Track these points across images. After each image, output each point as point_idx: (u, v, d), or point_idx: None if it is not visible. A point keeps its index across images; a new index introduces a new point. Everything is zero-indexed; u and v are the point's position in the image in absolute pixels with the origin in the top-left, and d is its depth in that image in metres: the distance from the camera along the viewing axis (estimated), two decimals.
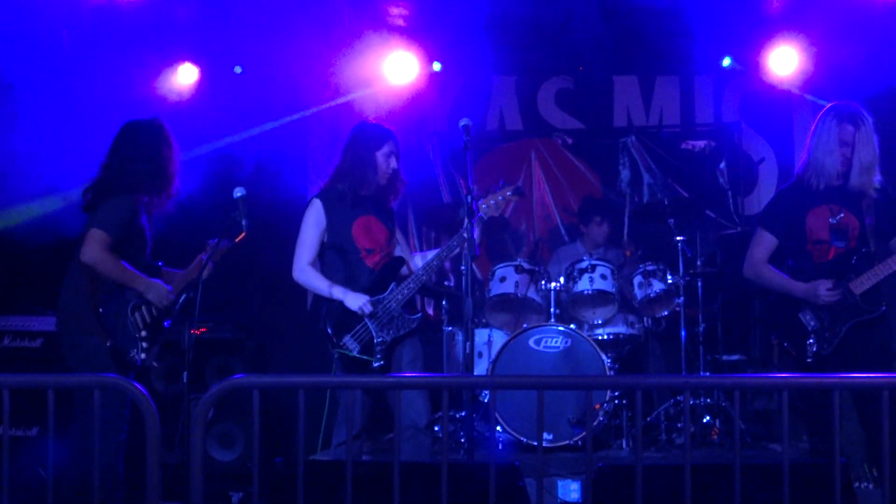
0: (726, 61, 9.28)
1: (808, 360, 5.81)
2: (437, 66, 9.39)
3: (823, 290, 5.78)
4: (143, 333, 5.68)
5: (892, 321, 5.76)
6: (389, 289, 5.93)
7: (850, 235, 5.78)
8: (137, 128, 5.95)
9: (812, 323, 5.84)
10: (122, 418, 5.57)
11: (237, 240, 5.82)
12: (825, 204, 5.87)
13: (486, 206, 5.99)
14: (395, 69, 9.30)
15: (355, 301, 5.81)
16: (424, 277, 5.99)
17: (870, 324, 5.69)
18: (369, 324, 5.83)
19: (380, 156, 5.99)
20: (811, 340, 5.81)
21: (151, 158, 5.83)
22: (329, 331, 5.85)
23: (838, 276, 5.78)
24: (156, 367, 5.99)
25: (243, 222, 5.82)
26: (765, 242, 6.08)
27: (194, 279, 5.65)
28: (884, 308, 5.64)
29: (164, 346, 5.98)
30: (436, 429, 7.58)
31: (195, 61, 9.14)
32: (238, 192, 5.84)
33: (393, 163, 6.02)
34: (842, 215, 5.82)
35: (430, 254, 6.14)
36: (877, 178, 5.85)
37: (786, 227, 6.01)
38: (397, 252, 6.15)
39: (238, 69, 9.18)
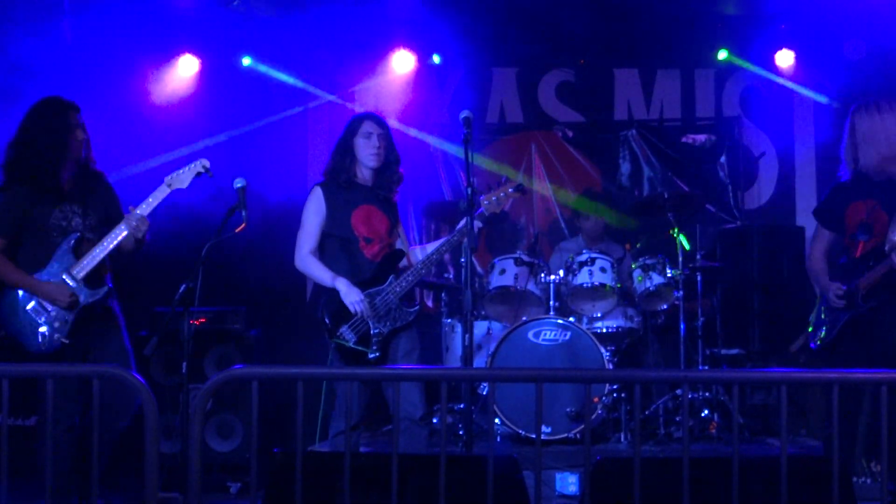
0: (722, 54, 9.27)
1: (812, 346, 5.89)
2: (436, 59, 9.37)
3: (832, 294, 5.83)
4: (45, 318, 5.66)
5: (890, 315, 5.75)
6: (388, 281, 5.93)
7: (877, 231, 5.75)
8: (29, 111, 5.85)
9: (827, 312, 5.91)
10: (77, 403, 5.67)
11: (238, 231, 5.81)
12: (862, 199, 5.84)
13: (488, 203, 6.00)
14: (395, 61, 9.29)
15: (350, 297, 5.81)
16: (423, 271, 5.99)
17: (867, 321, 5.69)
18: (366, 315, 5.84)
19: (359, 138, 6.00)
20: (824, 329, 5.84)
21: (25, 143, 5.73)
22: (326, 320, 5.85)
23: (853, 276, 5.79)
24: (150, 356, 5.98)
25: (244, 213, 5.82)
26: (820, 236, 6.12)
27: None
28: (872, 305, 5.64)
29: (164, 337, 5.98)
30: (434, 421, 7.60)
31: (196, 53, 9.13)
32: (238, 183, 5.84)
33: (374, 141, 5.99)
34: (874, 210, 5.78)
35: (430, 247, 6.14)
36: None
37: (832, 221, 6.02)
38: (398, 245, 6.15)
39: (248, 60, 9.14)
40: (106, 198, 5.87)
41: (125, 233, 5.67)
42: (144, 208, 5.69)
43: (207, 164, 5.69)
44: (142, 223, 5.68)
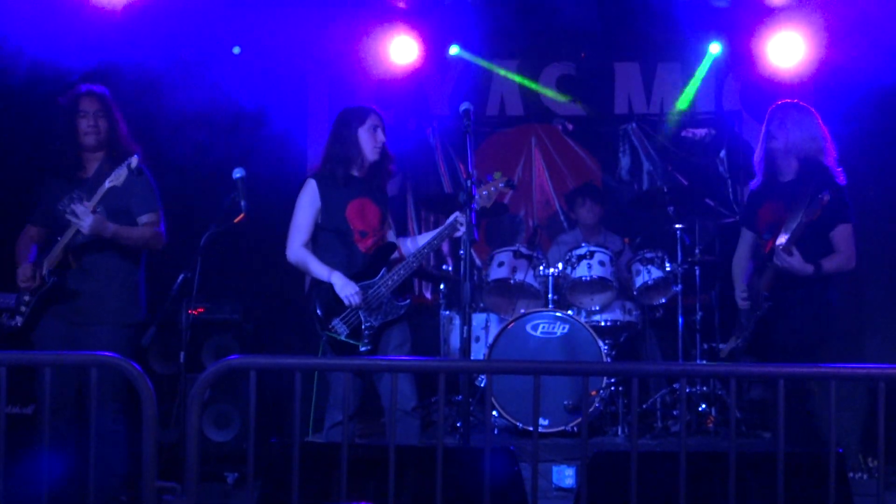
0: (715, 48, 9.25)
1: (732, 347, 6.05)
2: (455, 50, 9.36)
3: (738, 299, 6.06)
4: (14, 301, 5.83)
5: (806, 317, 5.79)
6: (380, 274, 5.92)
7: (779, 230, 5.81)
8: None
9: (744, 318, 6.04)
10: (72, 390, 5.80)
11: (236, 221, 5.81)
12: (772, 199, 5.98)
13: (478, 197, 5.98)
14: (395, 52, 9.28)
15: (344, 290, 5.81)
16: (415, 264, 5.98)
17: (770, 320, 5.76)
18: (358, 308, 5.83)
19: (363, 131, 5.99)
20: (740, 339, 5.92)
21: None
22: (318, 313, 5.85)
23: (761, 275, 5.89)
24: (148, 345, 5.99)
25: (242, 203, 5.81)
26: (743, 237, 6.29)
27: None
28: (768, 304, 5.68)
29: (161, 327, 5.98)
30: (428, 412, 7.60)
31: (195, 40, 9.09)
32: (237, 173, 5.83)
33: (380, 135, 6.00)
34: (780, 210, 5.88)
35: (421, 239, 6.14)
36: (833, 173, 5.88)
37: (750, 222, 6.20)
38: (390, 237, 6.14)
39: (237, 49, 9.13)
40: (131, 188, 5.78)
41: (75, 230, 5.66)
42: (90, 203, 5.62)
43: (135, 162, 5.60)
44: (95, 221, 5.62)
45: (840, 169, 5.96)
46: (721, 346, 7.00)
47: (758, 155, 6.12)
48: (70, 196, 5.81)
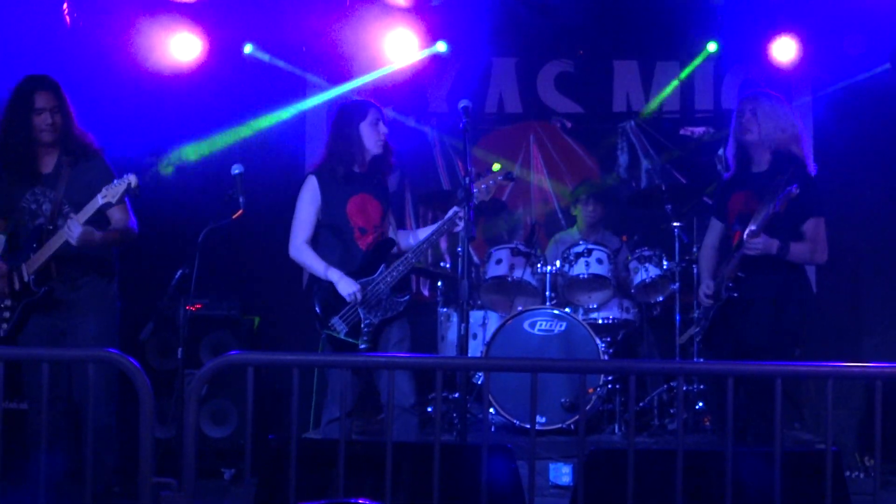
0: (712, 46, 9.25)
1: (696, 339, 6.01)
2: (443, 46, 9.34)
3: (701, 293, 6.06)
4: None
5: (765, 303, 5.80)
6: (379, 271, 5.91)
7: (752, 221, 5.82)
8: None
9: (703, 306, 6.07)
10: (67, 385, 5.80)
11: (234, 217, 5.81)
12: (742, 189, 5.99)
13: (477, 191, 5.96)
14: (394, 50, 9.27)
15: (346, 287, 5.80)
16: (414, 260, 5.98)
17: (732, 309, 5.77)
18: (358, 306, 5.83)
19: (365, 126, 5.99)
20: (698, 327, 5.94)
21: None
22: (318, 310, 5.85)
23: (728, 264, 5.90)
24: (146, 341, 6.01)
25: (241, 199, 5.81)
26: (712, 227, 6.30)
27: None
28: (728, 294, 5.68)
29: (159, 323, 5.99)
30: (428, 409, 7.61)
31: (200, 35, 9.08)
32: (236, 170, 5.83)
33: (382, 128, 6.00)
34: (750, 200, 5.89)
35: (420, 234, 6.14)
36: (806, 163, 5.90)
37: (720, 212, 6.21)
38: (390, 232, 6.14)
39: (249, 48, 9.09)
40: (94, 182, 5.70)
41: (63, 239, 5.63)
42: (80, 217, 5.59)
43: (135, 181, 5.57)
44: (83, 233, 5.59)
45: (812, 159, 5.98)
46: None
47: (730, 146, 6.11)
48: (32, 192, 5.77)
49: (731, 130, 6.15)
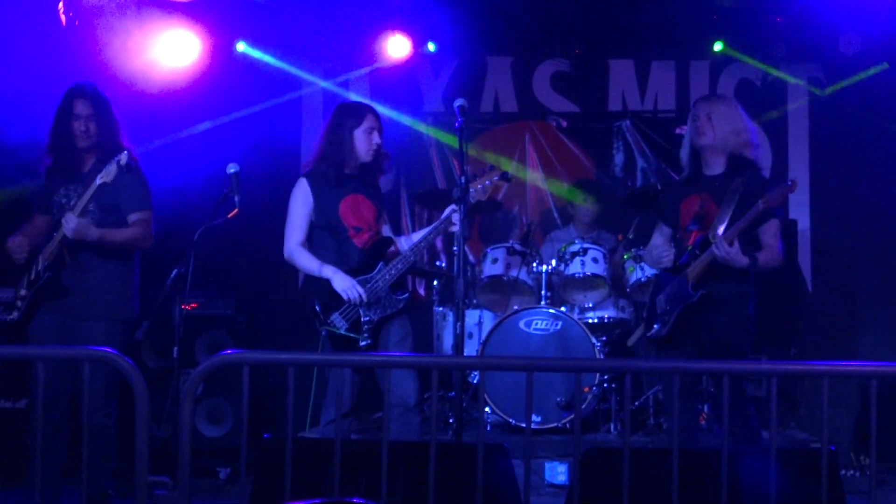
0: (718, 46, 9.26)
1: (649, 334, 6.02)
2: (432, 47, 9.34)
3: (666, 258, 6.00)
4: (12, 295, 5.97)
5: (733, 308, 5.80)
6: (377, 268, 5.90)
7: (708, 222, 5.81)
8: None
9: (660, 306, 5.98)
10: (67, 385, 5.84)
11: (230, 216, 5.81)
12: (697, 192, 5.97)
13: (473, 191, 5.95)
14: (388, 48, 9.28)
15: (342, 283, 5.79)
16: (412, 258, 5.97)
17: (697, 309, 5.75)
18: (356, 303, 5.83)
19: (360, 133, 5.95)
20: (657, 324, 5.91)
21: (50, 130, 6.03)
22: (317, 308, 5.83)
23: (684, 266, 5.88)
24: (141, 340, 6.04)
25: (236, 199, 5.81)
26: (659, 230, 6.27)
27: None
28: (701, 292, 5.69)
29: (155, 322, 5.99)
30: (424, 409, 7.61)
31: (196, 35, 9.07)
32: (231, 169, 5.84)
33: (376, 138, 5.98)
34: (706, 203, 5.88)
35: (416, 235, 6.13)
36: (758, 163, 5.92)
37: (669, 217, 6.17)
38: (385, 231, 6.13)
39: (241, 46, 9.09)
40: (121, 185, 5.82)
41: (63, 234, 5.71)
42: (77, 207, 5.70)
43: (125, 158, 5.67)
44: (78, 225, 5.69)
45: (763, 163, 6.00)
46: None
47: (684, 148, 6.11)
48: (66, 187, 5.89)
49: (686, 132, 6.14)
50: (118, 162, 5.65)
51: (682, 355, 5.80)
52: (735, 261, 5.57)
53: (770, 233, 5.80)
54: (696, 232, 5.85)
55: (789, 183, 5.69)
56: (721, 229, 5.61)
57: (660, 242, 6.22)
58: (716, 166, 5.92)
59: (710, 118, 5.88)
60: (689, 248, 5.82)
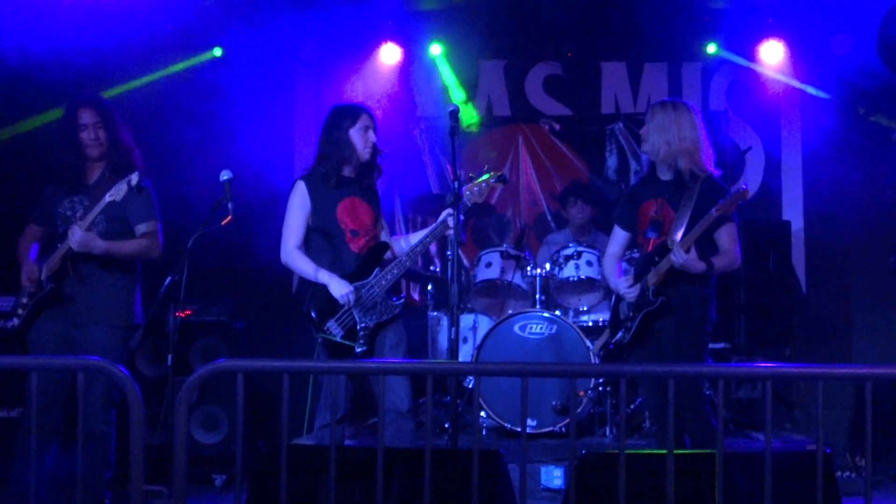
0: (712, 48, 9.28)
1: (610, 346, 6.03)
2: (435, 49, 9.35)
3: (623, 287, 5.97)
4: (14, 303, 5.95)
5: (692, 311, 5.81)
6: (373, 274, 5.90)
7: (666, 228, 5.84)
8: None
9: (622, 313, 6.01)
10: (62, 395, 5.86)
11: (223, 223, 5.80)
12: (653, 197, 5.97)
13: (470, 193, 5.97)
14: (383, 53, 9.28)
15: (338, 289, 5.79)
16: (408, 263, 5.97)
17: (658, 314, 5.77)
18: (353, 309, 5.82)
19: (355, 132, 5.97)
20: (621, 332, 5.92)
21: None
22: (313, 315, 5.83)
23: (642, 271, 5.90)
24: (135, 348, 6.05)
25: (230, 206, 5.81)
26: (616, 236, 6.26)
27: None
28: (662, 299, 5.70)
29: (149, 329, 5.98)
30: (420, 414, 7.60)
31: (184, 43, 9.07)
32: (224, 176, 5.83)
33: (371, 136, 5.99)
34: (662, 208, 5.90)
35: (413, 238, 6.13)
36: (710, 169, 5.90)
37: (626, 222, 6.17)
38: (383, 236, 6.13)
39: (218, 51, 9.10)
40: (131, 201, 5.85)
41: (68, 247, 5.73)
42: (85, 220, 5.74)
43: (135, 179, 5.70)
44: (83, 238, 5.71)
45: (717, 168, 5.98)
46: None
47: (643, 154, 6.13)
48: (71, 199, 5.91)
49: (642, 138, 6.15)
50: (129, 182, 5.68)
51: (645, 360, 5.83)
52: (692, 267, 5.62)
53: (726, 237, 5.82)
54: (654, 239, 5.89)
55: (743, 188, 5.75)
56: (678, 235, 5.63)
57: (616, 251, 6.24)
58: (666, 172, 5.94)
59: (662, 124, 5.88)
60: (649, 254, 5.86)
